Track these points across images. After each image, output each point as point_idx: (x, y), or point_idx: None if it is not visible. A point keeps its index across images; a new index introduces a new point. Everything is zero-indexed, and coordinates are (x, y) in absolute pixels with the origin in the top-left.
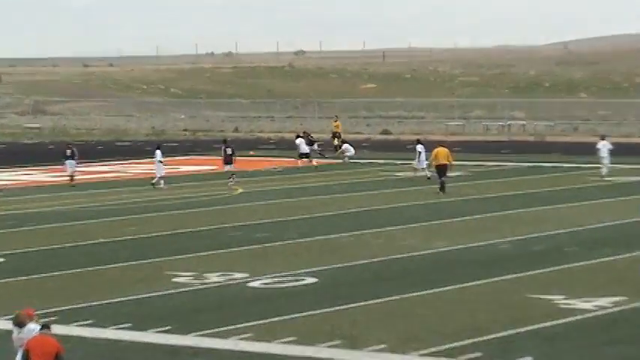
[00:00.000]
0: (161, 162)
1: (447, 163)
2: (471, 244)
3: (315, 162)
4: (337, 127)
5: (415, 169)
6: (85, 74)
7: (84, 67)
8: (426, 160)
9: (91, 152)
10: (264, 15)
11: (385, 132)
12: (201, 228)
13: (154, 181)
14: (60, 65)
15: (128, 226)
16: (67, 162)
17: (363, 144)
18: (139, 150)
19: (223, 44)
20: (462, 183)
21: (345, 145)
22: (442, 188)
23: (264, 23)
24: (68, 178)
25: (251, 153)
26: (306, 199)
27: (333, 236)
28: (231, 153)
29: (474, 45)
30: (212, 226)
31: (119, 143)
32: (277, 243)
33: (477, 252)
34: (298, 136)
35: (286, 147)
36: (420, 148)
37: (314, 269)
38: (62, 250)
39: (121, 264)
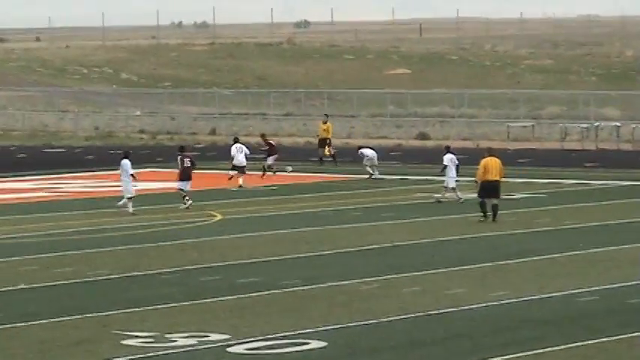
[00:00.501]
0: (134, 176)
1: (500, 179)
2: (541, 296)
3: (241, 180)
4: (327, 130)
5: (445, 189)
6: (1, 52)
7: None
8: (457, 175)
9: (7, 162)
10: None
11: (422, 136)
12: (164, 270)
13: (120, 203)
14: None
15: (61, 267)
16: None
17: (392, 152)
18: (77, 159)
19: (195, 11)
20: (530, 209)
21: (365, 151)
22: (494, 215)
23: None
24: None
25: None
26: (311, 229)
27: (348, 282)
28: (190, 165)
29: (547, 15)
30: (179, 268)
31: (49, 150)
32: (270, 291)
33: (550, 306)
34: (237, 141)
35: (285, 156)
36: (448, 159)
37: (322, 328)
38: None
39: (50, 320)
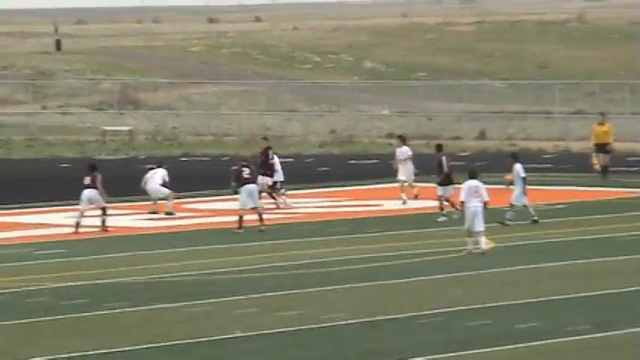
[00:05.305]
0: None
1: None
2: None
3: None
4: (607, 133)
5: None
6: (211, 36)
7: (209, 24)
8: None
9: (219, 175)
10: None
11: None
12: (420, 312)
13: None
14: (164, 21)
15: (287, 309)
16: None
17: None
18: (308, 171)
19: None
20: None
21: None
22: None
23: None
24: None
25: (507, 177)
26: (608, 260)
27: None
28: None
29: None
30: (439, 309)
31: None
32: (554, 339)
33: None
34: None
35: (574, 167)
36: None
37: None
38: None
39: None
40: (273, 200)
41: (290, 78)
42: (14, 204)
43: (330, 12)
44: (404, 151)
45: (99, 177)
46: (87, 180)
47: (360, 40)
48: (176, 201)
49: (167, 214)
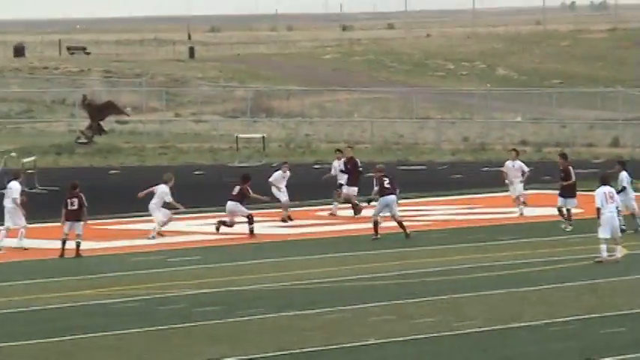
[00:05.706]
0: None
1: None
2: None
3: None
4: None
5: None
6: (344, 44)
7: (342, 31)
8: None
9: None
10: None
11: None
12: (553, 320)
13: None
14: (298, 28)
15: (420, 317)
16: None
17: None
18: (441, 179)
19: None
20: None
21: None
22: None
23: None
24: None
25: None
26: None
27: None
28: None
29: None
30: (572, 317)
31: (405, 167)
32: None
33: None
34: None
35: None
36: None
37: None
38: None
39: None
40: (352, 210)
41: (423, 85)
42: (147, 211)
43: (463, 19)
44: (519, 166)
45: (248, 187)
46: (235, 190)
47: (493, 48)
48: (308, 208)
49: (282, 220)
